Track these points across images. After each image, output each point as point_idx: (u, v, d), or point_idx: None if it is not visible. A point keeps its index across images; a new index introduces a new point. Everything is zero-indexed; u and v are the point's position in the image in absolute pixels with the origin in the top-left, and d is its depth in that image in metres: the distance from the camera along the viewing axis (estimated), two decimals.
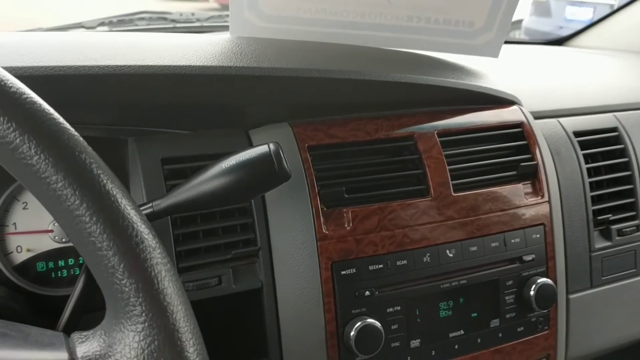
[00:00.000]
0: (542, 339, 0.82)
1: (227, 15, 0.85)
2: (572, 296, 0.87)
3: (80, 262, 0.72)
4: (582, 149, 0.91)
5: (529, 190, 0.83)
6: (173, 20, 1.33)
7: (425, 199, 0.75)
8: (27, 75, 0.60)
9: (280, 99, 0.76)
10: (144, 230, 0.38)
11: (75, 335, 0.40)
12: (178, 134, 0.72)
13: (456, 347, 0.76)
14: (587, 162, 0.91)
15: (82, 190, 0.36)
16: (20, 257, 0.71)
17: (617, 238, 0.91)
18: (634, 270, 0.93)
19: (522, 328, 0.80)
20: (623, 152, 0.94)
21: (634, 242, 0.93)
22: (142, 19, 1.31)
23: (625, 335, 0.95)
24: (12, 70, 0.59)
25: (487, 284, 0.78)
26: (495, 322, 0.78)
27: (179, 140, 0.71)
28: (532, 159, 0.83)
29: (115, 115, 0.71)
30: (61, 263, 0.72)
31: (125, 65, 0.64)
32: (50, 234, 0.72)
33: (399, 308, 0.72)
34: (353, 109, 0.78)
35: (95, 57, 0.65)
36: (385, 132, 0.77)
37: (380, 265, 0.72)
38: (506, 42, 0.96)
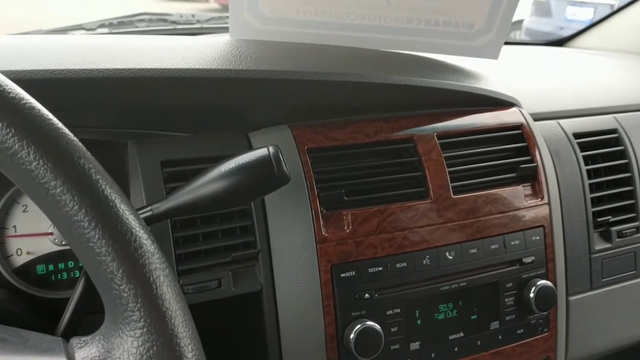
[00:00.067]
0: (542, 341, 0.82)
1: (228, 17, 0.85)
2: (572, 298, 0.87)
3: (80, 264, 0.72)
4: (582, 151, 0.91)
5: (529, 192, 0.82)
6: (173, 22, 1.33)
7: (424, 201, 0.75)
8: (27, 79, 0.60)
9: (279, 101, 0.76)
10: (142, 236, 0.38)
11: (74, 341, 0.40)
12: (178, 137, 0.73)
13: (456, 349, 0.76)
14: (587, 164, 0.91)
15: (81, 196, 0.36)
16: (20, 260, 0.71)
17: (617, 240, 0.91)
18: (634, 272, 0.93)
19: (521, 330, 0.80)
20: (623, 154, 0.94)
21: (634, 244, 0.93)
22: (142, 20, 1.31)
23: (625, 337, 0.94)
24: (11, 73, 0.59)
25: (487, 286, 0.78)
26: (495, 325, 0.78)
27: (179, 143, 0.71)
28: (532, 160, 0.83)
29: (115, 118, 0.71)
30: (61, 266, 0.72)
31: (124, 69, 0.64)
32: (50, 236, 0.72)
33: (398, 310, 0.72)
34: (353, 111, 0.78)
35: (95, 60, 0.65)
36: (385, 134, 0.77)
37: (380, 268, 0.72)
38: (506, 43, 0.96)
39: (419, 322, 0.74)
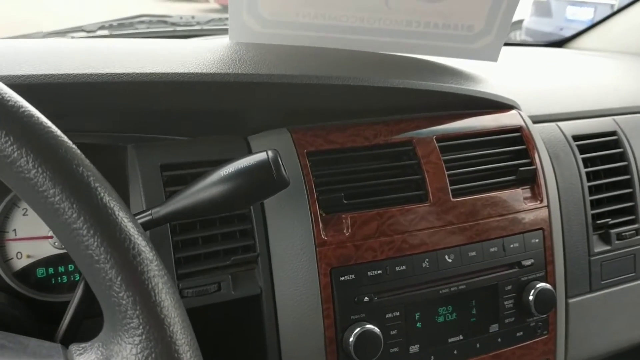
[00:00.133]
0: (541, 343, 0.82)
1: (227, 18, 0.85)
2: (571, 300, 0.87)
3: None
4: (581, 153, 0.91)
5: (528, 195, 0.83)
6: (173, 24, 1.33)
7: (424, 204, 0.75)
8: (25, 84, 0.60)
9: (279, 104, 0.76)
10: (140, 243, 0.38)
11: (73, 347, 0.40)
12: (177, 141, 0.73)
13: (455, 352, 0.76)
14: (586, 166, 0.91)
15: (79, 204, 0.37)
16: (20, 264, 0.71)
17: (617, 242, 0.91)
18: (634, 274, 0.93)
19: (521, 333, 0.80)
20: (622, 156, 0.94)
21: (633, 246, 0.93)
22: (142, 22, 1.31)
23: (624, 339, 0.95)
24: (9, 78, 0.59)
25: (486, 289, 0.78)
26: (494, 327, 0.78)
27: (178, 147, 0.72)
28: (531, 163, 0.83)
29: (114, 122, 0.71)
30: (61, 269, 0.72)
31: (123, 73, 0.64)
32: (50, 240, 0.72)
33: (398, 314, 0.73)
34: (352, 115, 0.78)
35: (94, 64, 0.65)
36: (384, 137, 0.77)
37: (379, 271, 0.72)
38: (506, 44, 0.96)
39: (418, 325, 0.74)
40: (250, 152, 0.72)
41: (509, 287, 0.79)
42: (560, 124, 0.93)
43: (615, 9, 1.57)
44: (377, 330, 0.70)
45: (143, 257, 0.38)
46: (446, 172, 0.77)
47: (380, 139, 0.76)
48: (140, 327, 0.37)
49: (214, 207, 0.59)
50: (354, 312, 0.71)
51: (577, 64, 1.31)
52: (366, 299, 0.71)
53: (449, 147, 0.80)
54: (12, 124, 0.36)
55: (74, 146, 0.39)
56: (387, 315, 0.72)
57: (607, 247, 0.91)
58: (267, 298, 0.70)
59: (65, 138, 0.38)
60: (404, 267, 0.73)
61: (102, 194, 0.38)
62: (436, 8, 0.89)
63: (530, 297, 0.78)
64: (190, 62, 0.70)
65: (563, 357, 0.85)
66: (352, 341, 0.69)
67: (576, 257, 0.88)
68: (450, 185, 0.77)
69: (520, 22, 4.71)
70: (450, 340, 0.76)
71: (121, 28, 1.28)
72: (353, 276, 0.71)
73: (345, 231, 0.72)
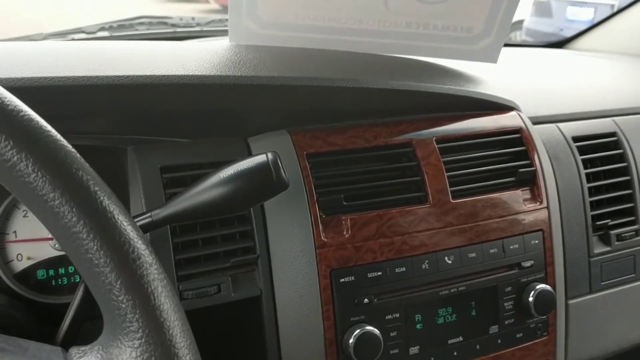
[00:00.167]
0: (541, 344, 0.82)
1: (227, 20, 0.85)
2: (571, 302, 0.87)
3: None
4: (581, 154, 0.91)
5: (528, 196, 0.83)
6: (173, 25, 1.33)
7: (423, 205, 0.75)
8: (25, 87, 0.60)
9: (278, 106, 0.76)
10: (140, 247, 0.38)
11: (73, 350, 0.40)
12: (177, 142, 0.73)
13: (455, 353, 0.76)
14: (586, 167, 0.91)
15: (79, 207, 0.37)
16: (20, 265, 0.71)
17: (616, 243, 0.91)
18: (634, 275, 0.93)
19: (521, 334, 0.80)
20: (622, 157, 0.94)
21: (633, 247, 0.93)
22: (142, 23, 1.31)
23: (624, 340, 0.95)
24: (10, 81, 0.60)
25: (486, 290, 0.78)
26: (494, 329, 0.78)
27: (178, 149, 0.72)
28: (531, 165, 0.84)
29: (114, 124, 0.72)
30: (61, 271, 0.72)
31: (123, 76, 0.64)
32: (50, 241, 0.72)
33: (397, 315, 0.73)
34: (352, 116, 0.78)
35: (94, 67, 0.65)
36: (384, 139, 0.77)
37: (379, 273, 0.72)
38: (505, 45, 0.96)
39: (418, 326, 0.74)
40: (250, 154, 0.72)
41: (509, 289, 0.79)
42: (560, 125, 0.93)
43: (615, 9, 1.56)
44: (377, 331, 0.70)
45: (142, 261, 0.38)
46: (446, 174, 0.77)
47: (380, 141, 0.76)
48: (140, 330, 0.37)
49: (214, 209, 0.59)
50: (354, 314, 0.71)
51: (577, 64, 1.31)
52: (366, 300, 0.71)
53: (449, 149, 0.80)
54: (12, 128, 0.36)
55: (73, 150, 0.39)
56: (387, 317, 0.72)
57: (607, 248, 0.91)
58: (267, 300, 0.70)
59: (64, 142, 0.39)
60: (404, 269, 0.73)
61: (101, 198, 0.38)
62: (436, 10, 0.89)
63: (530, 299, 0.78)
64: (190, 65, 0.70)
65: (563, 358, 0.85)
66: (352, 343, 0.69)
67: (576, 258, 0.88)
68: (450, 187, 0.77)
69: (521, 22, 4.71)
70: (450, 341, 0.76)
71: (121, 29, 1.29)
72: (353, 278, 0.71)
73: (345, 233, 0.72)
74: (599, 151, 0.93)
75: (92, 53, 0.72)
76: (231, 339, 0.72)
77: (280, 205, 0.71)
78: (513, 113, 0.87)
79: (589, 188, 0.90)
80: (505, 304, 0.79)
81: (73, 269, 0.73)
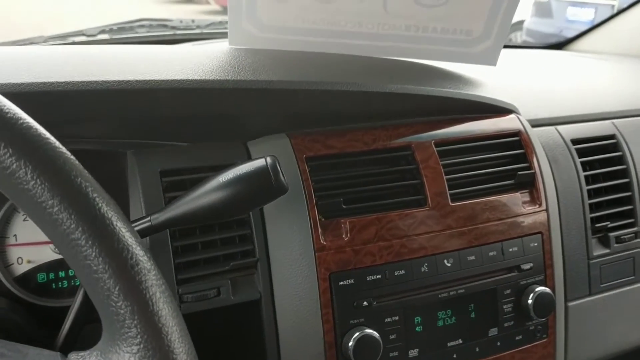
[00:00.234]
0: (541, 347, 0.82)
1: (227, 22, 0.86)
2: (570, 304, 0.87)
3: None
4: (580, 157, 0.91)
5: (527, 198, 0.83)
6: (173, 27, 1.33)
7: (422, 208, 0.76)
8: (25, 92, 0.60)
9: (278, 110, 0.76)
10: (138, 253, 0.38)
11: (72, 356, 0.40)
12: (176, 146, 0.73)
13: (455, 356, 0.77)
14: (585, 170, 0.91)
15: (78, 215, 0.37)
16: (21, 269, 0.71)
17: (616, 245, 0.91)
18: (633, 277, 0.93)
19: (520, 336, 0.80)
20: (621, 160, 0.94)
21: (633, 249, 0.93)
22: (142, 26, 1.31)
23: (624, 342, 0.95)
24: (9, 87, 0.60)
25: (485, 293, 0.78)
26: (493, 331, 0.78)
27: (178, 153, 0.72)
28: (530, 167, 0.84)
29: (114, 128, 0.72)
30: (61, 274, 0.73)
31: (123, 81, 0.64)
32: (50, 245, 0.72)
33: (397, 318, 0.73)
34: (351, 120, 0.79)
35: (93, 71, 0.65)
36: (383, 142, 0.77)
37: (379, 276, 0.72)
38: (505, 46, 0.96)
39: (417, 329, 0.74)
40: (249, 158, 0.72)
41: (508, 291, 0.79)
42: (559, 127, 0.93)
43: (616, 9, 1.56)
44: (376, 334, 0.70)
45: (141, 267, 0.38)
46: (445, 177, 0.77)
47: (379, 144, 0.77)
48: (139, 336, 0.37)
49: (213, 213, 0.59)
50: (353, 317, 0.71)
51: (577, 66, 1.31)
52: (365, 303, 0.71)
53: (448, 152, 0.80)
54: (11, 136, 0.37)
55: (72, 157, 0.39)
56: (386, 320, 0.72)
57: (606, 251, 0.91)
58: (266, 303, 0.70)
59: (63, 149, 0.39)
60: (403, 272, 0.73)
61: (100, 205, 0.38)
62: (435, 12, 0.89)
63: (530, 301, 0.78)
64: (189, 69, 0.70)
65: None
66: (351, 346, 0.69)
67: (575, 261, 0.88)
68: (449, 190, 0.77)
69: (521, 22, 4.71)
70: (449, 344, 0.76)
71: (121, 32, 1.29)
72: (352, 281, 0.71)
73: (344, 236, 0.72)
74: (598, 153, 0.93)
75: (91, 58, 0.72)
76: (231, 342, 0.72)
77: (279, 208, 0.71)
78: (512, 116, 0.87)
79: (588, 190, 0.90)
80: (505, 307, 0.79)
81: (73, 272, 0.73)
